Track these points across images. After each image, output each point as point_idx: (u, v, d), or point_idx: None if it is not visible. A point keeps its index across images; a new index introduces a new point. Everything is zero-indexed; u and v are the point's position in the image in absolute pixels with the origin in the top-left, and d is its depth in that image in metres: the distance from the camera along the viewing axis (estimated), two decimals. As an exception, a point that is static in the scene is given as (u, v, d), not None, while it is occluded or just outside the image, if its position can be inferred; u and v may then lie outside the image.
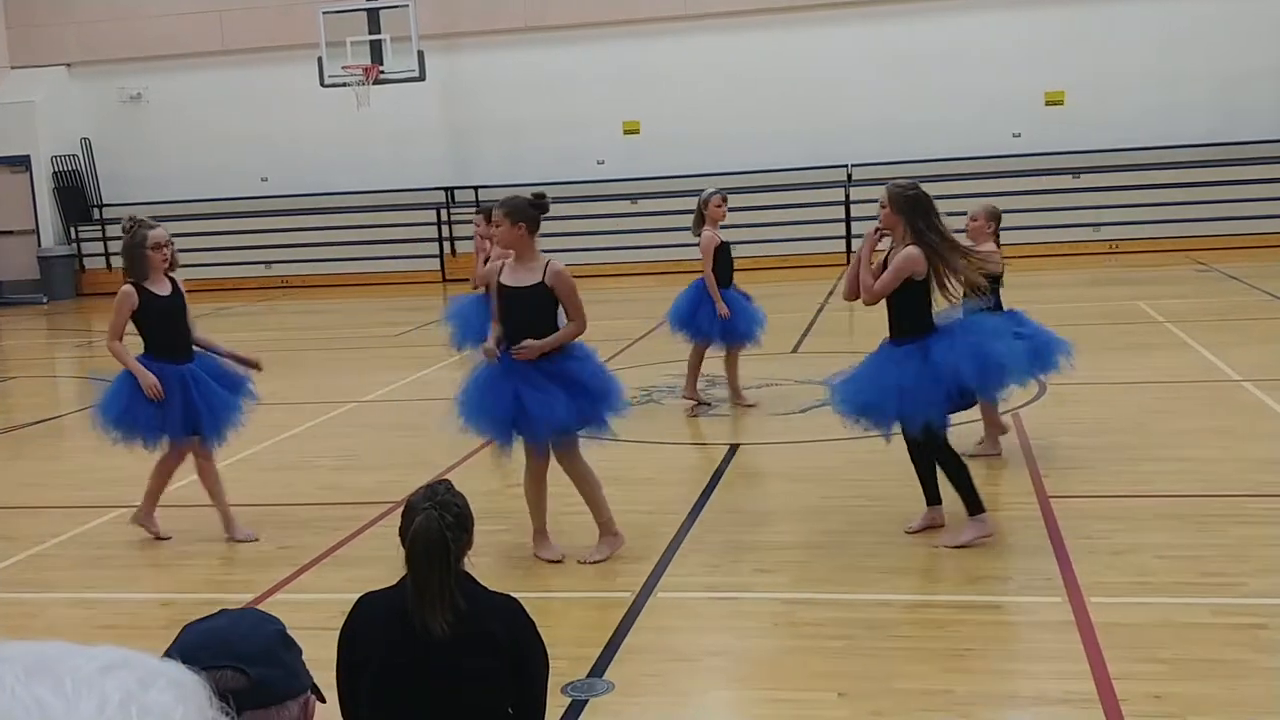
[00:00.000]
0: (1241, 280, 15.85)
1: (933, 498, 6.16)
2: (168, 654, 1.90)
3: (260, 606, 2.83)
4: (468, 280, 22.20)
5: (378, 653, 3.05)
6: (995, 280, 7.42)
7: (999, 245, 7.72)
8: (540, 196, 6.21)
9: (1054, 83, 20.86)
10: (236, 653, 1.88)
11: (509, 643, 3.11)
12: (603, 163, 22.36)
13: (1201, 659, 4.66)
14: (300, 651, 1.96)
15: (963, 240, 7.34)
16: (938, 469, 6.01)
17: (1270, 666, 4.60)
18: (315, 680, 1.93)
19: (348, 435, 9.70)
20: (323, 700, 1.99)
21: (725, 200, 9.54)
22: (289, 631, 1.97)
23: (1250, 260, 17.87)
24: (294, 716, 1.89)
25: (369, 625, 3.15)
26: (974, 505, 5.94)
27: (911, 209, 5.86)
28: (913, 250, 5.84)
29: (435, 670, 3.00)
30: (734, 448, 8.46)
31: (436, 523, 3.09)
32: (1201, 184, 19.91)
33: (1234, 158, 20.01)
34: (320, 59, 20.70)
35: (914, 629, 5.15)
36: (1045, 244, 20.15)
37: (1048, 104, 20.96)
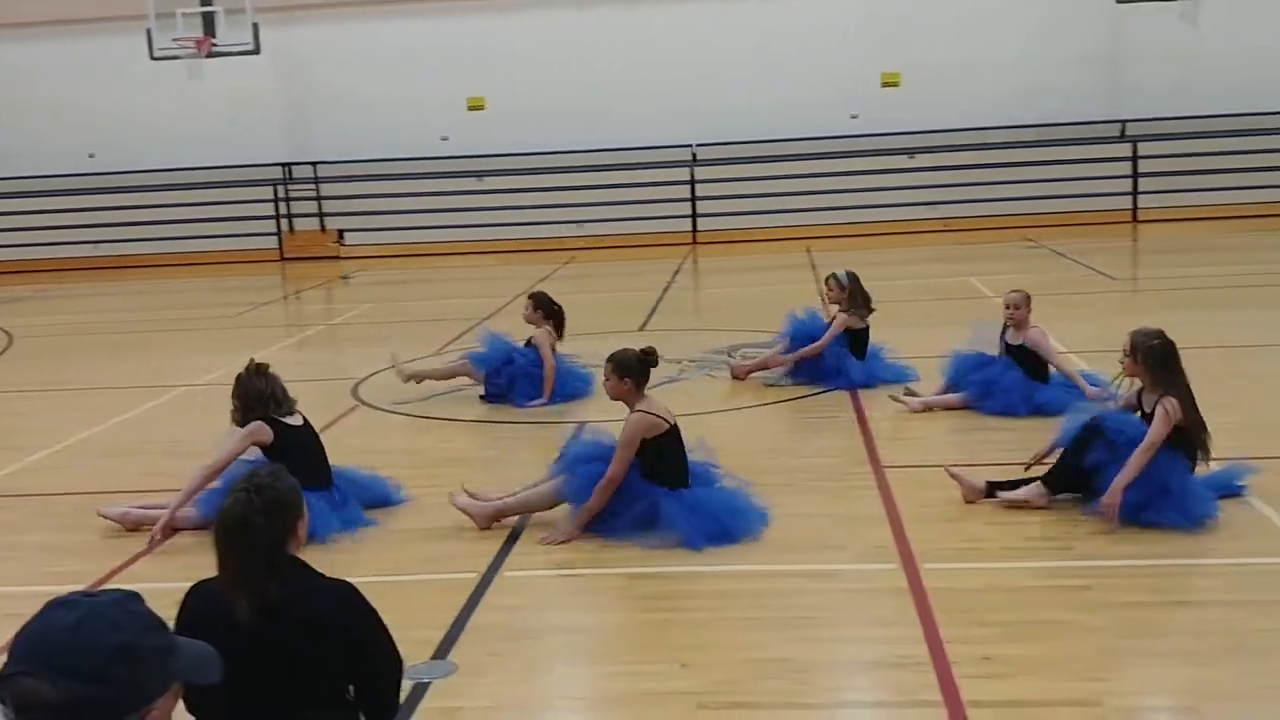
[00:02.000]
0: (1067, 256, 16.53)
1: None
2: (15, 638, 1.81)
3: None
4: (306, 259, 21.74)
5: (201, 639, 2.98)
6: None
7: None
8: (649, 353, 6.21)
9: (890, 64, 21.38)
10: (60, 664, 1.79)
11: (339, 629, 3.06)
12: (447, 139, 22.09)
13: (1029, 621, 4.85)
14: (155, 660, 1.87)
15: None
16: None
17: (1094, 626, 4.81)
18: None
19: (180, 420, 9.39)
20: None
21: None
22: (150, 637, 1.87)
23: (1077, 237, 18.65)
24: None
25: (193, 613, 3.09)
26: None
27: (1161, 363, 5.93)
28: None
29: (254, 656, 2.94)
30: (582, 425, 8.46)
31: (243, 506, 3.04)
32: (1031, 163, 20.69)
33: (1062, 138, 20.86)
34: (149, 31, 19.92)
35: (754, 599, 5.24)
36: (882, 222, 20.71)
37: (884, 85, 21.47)
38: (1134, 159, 20.90)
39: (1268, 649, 4.52)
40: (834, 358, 9.13)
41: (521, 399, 9.03)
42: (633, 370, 6.10)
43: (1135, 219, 20.82)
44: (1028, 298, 8.19)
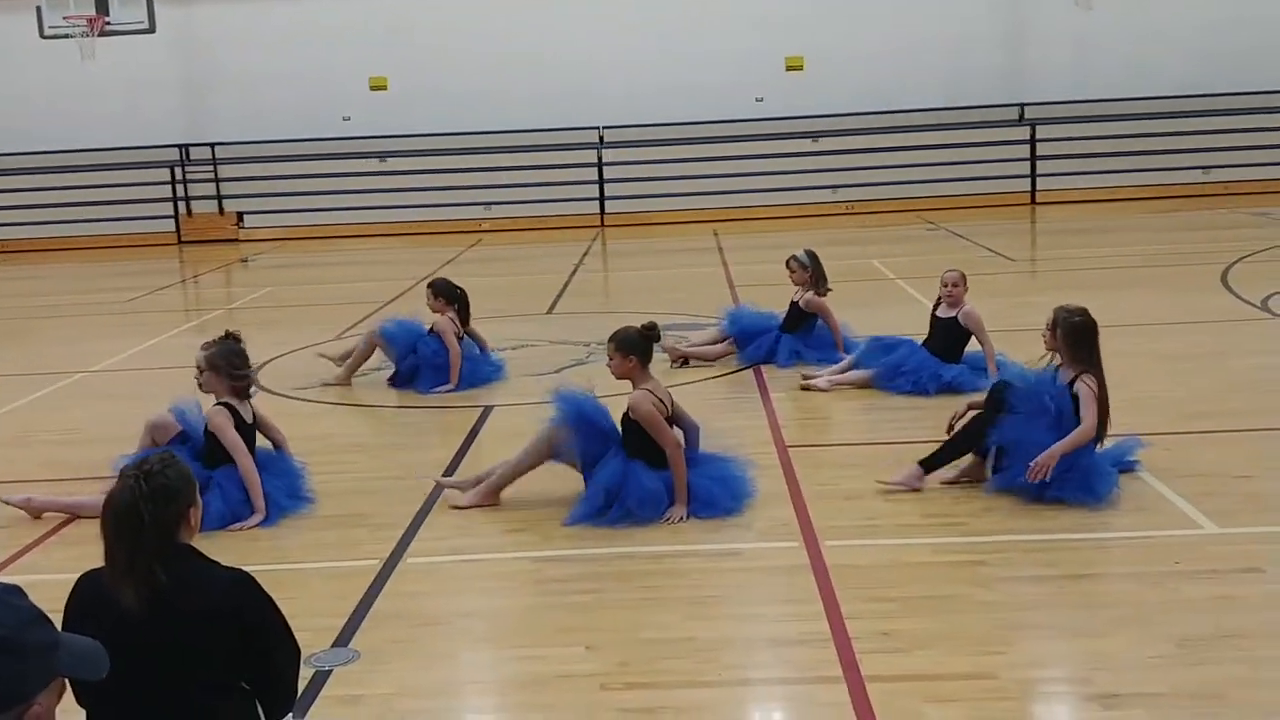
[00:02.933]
0: (967, 238, 16.81)
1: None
2: None
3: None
4: (205, 242, 21.29)
5: (88, 631, 2.91)
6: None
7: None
8: (650, 327, 6.12)
9: (794, 48, 21.53)
10: None
11: (232, 617, 3.00)
12: (349, 119, 21.77)
13: (926, 596, 4.93)
14: (37, 655, 1.81)
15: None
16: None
17: (988, 600, 4.91)
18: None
19: (73, 408, 9.16)
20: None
21: None
22: (30, 632, 1.80)
23: (977, 219, 18.99)
24: None
25: (82, 603, 3.02)
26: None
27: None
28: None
29: (144, 646, 2.87)
30: (487, 409, 8.42)
31: (130, 493, 2.97)
32: (931, 146, 20.99)
33: (963, 121, 21.18)
34: (39, 8, 19.27)
35: (658, 579, 5.26)
36: (786, 205, 20.88)
37: (788, 69, 21.62)
38: (1032, 142, 21.31)
39: (1158, 619, 4.64)
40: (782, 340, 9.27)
41: (425, 386, 8.94)
42: (636, 347, 6.05)
43: (1034, 201, 21.25)
44: (964, 276, 8.40)
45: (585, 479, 6.08)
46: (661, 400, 6.03)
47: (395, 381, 9.11)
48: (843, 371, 8.45)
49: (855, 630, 4.60)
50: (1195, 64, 20.79)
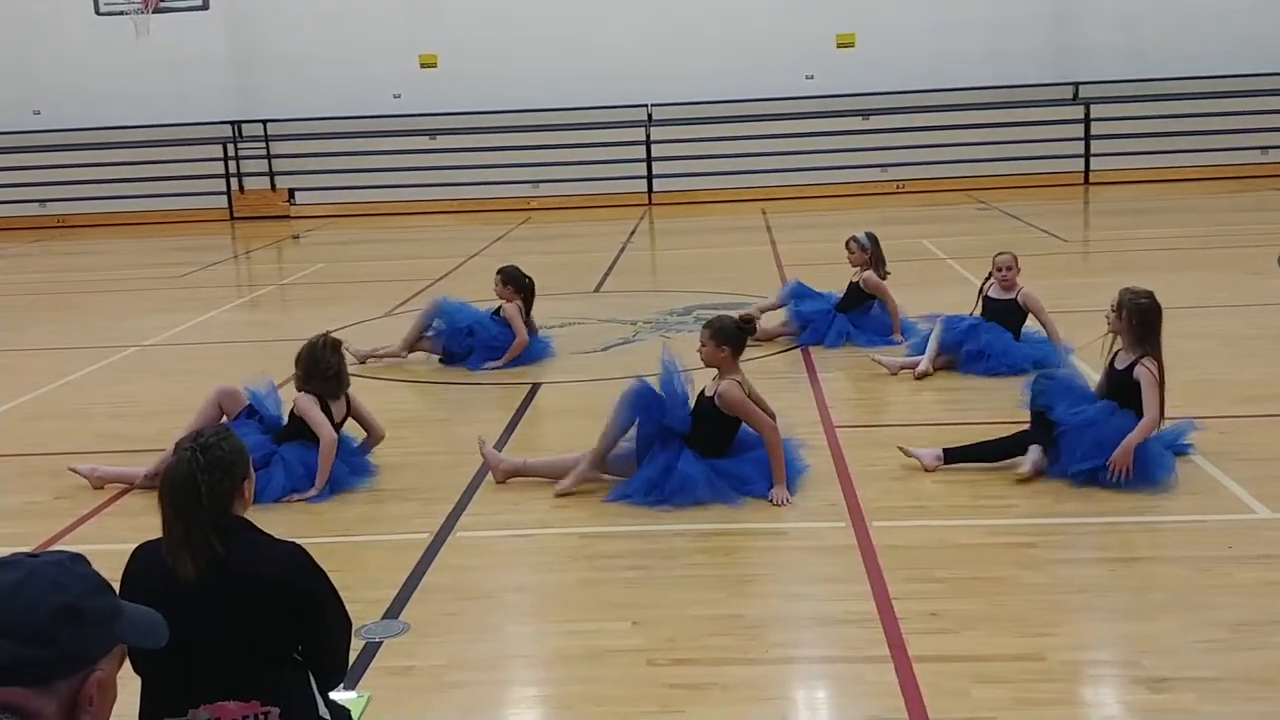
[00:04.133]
0: (1019, 218, 16.64)
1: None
2: None
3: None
4: (256, 218, 21.50)
5: (143, 600, 2.97)
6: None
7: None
8: (747, 320, 6.19)
9: (845, 25, 21.34)
10: (1, 624, 1.76)
11: (286, 589, 3.05)
12: (399, 96, 21.85)
13: (974, 577, 4.92)
14: (100, 622, 1.84)
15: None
16: None
17: (1037, 583, 4.88)
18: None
19: (128, 381, 9.29)
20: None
21: None
22: (93, 599, 1.84)
23: (1029, 199, 18.78)
24: (64, 698, 1.79)
25: (139, 574, 3.08)
26: None
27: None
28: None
29: (196, 617, 2.92)
30: (535, 387, 8.46)
31: (188, 465, 3.02)
32: (983, 125, 20.77)
33: (1014, 100, 20.93)
34: (95, -15, 19.53)
35: (705, 557, 5.28)
36: (836, 184, 20.74)
37: (839, 46, 21.44)
38: (1086, 121, 21.03)
39: (1208, 604, 4.60)
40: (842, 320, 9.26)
41: (476, 364, 8.98)
42: (731, 338, 6.06)
43: (1087, 181, 20.98)
44: (1016, 258, 8.35)
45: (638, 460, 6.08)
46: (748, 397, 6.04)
47: (447, 359, 9.16)
48: (933, 357, 8.27)
49: (902, 610, 4.60)
50: (1252, 41, 20.40)
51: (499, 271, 9.25)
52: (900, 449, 6.24)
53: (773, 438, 5.89)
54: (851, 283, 9.34)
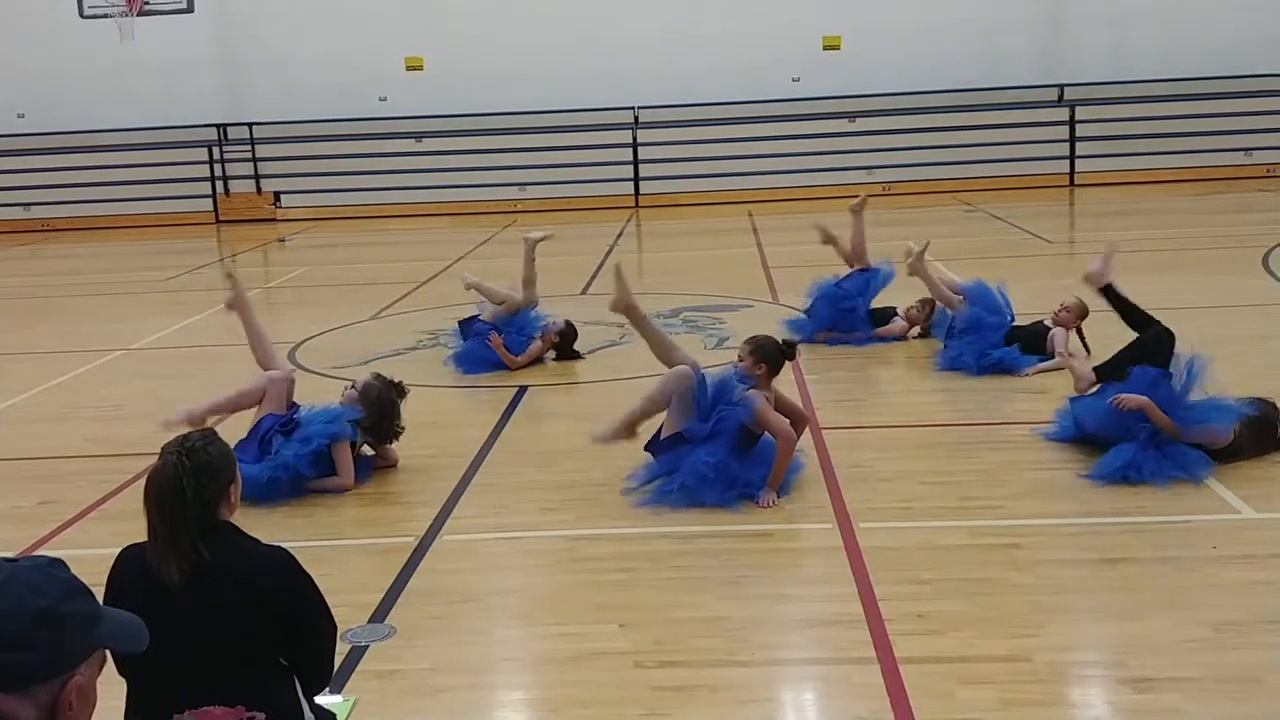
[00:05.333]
0: (1005, 220, 16.69)
1: None
2: None
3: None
4: (242, 221, 21.43)
5: (129, 605, 2.96)
6: None
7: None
8: (791, 344, 6.32)
9: (831, 28, 21.38)
10: None
11: (272, 594, 3.04)
12: (385, 99, 21.82)
13: (960, 578, 4.93)
14: (79, 626, 1.83)
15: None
16: None
17: (1023, 583, 4.89)
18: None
19: (114, 385, 9.26)
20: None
21: None
22: (72, 603, 1.83)
23: (1014, 201, 18.83)
24: (43, 703, 1.78)
25: (124, 577, 3.06)
26: None
27: None
28: None
29: (181, 621, 2.91)
30: (523, 389, 8.46)
31: (173, 469, 3.01)
32: (969, 127, 20.83)
33: (1000, 102, 20.99)
34: (79, -12, 19.46)
35: (691, 559, 5.28)
36: (821, 186, 20.76)
37: (825, 49, 21.48)
38: (1071, 123, 21.10)
39: (1192, 604, 4.62)
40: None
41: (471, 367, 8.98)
42: (771, 357, 6.16)
43: (1072, 183, 21.05)
44: (1083, 310, 8.38)
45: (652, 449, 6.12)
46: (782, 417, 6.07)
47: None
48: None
49: (888, 612, 4.60)
50: (1237, 44, 20.50)
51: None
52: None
53: (784, 447, 5.92)
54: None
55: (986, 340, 8.22)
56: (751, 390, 6.05)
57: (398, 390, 6.66)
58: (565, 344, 9.20)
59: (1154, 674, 4.08)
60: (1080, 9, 21.10)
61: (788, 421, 6.01)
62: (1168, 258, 13.05)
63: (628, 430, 6.20)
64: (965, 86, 20.96)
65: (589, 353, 9.47)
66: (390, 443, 6.65)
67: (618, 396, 7.92)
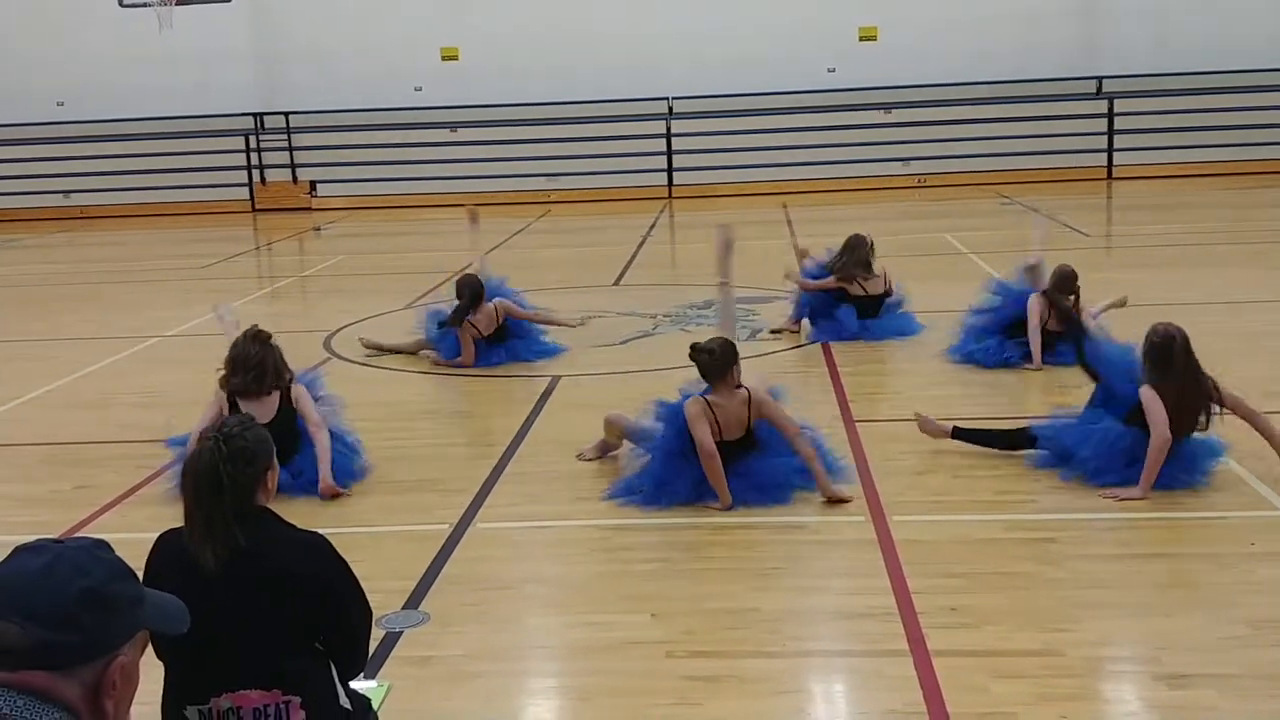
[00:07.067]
0: (1042, 213, 16.52)
1: None
2: None
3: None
4: (278, 210, 21.57)
5: (167, 589, 2.99)
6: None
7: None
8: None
9: (867, 18, 21.27)
10: (27, 608, 1.77)
11: (309, 579, 3.05)
12: (420, 89, 21.88)
13: (994, 572, 4.90)
14: (123, 607, 1.85)
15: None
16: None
17: (1056, 578, 4.87)
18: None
19: (150, 371, 9.35)
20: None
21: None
22: (117, 584, 1.85)
23: (1052, 193, 18.69)
24: (87, 683, 1.80)
25: (162, 562, 3.08)
26: None
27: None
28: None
29: (218, 606, 2.93)
30: (555, 379, 8.48)
31: (211, 455, 3.03)
32: (1006, 119, 20.68)
33: (1037, 94, 20.81)
34: (118, -22, 19.62)
35: (723, 550, 5.28)
36: (856, 178, 20.68)
37: (861, 39, 21.37)
38: (1110, 115, 20.91)
39: (1226, 600, 4.58)
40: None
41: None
42: (698, 364, 5.96)
43: (1110, 175, 20.86)
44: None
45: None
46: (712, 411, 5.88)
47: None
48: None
49: (922, 605, 4.59)
50: (1275, 37, 20.24)
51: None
52: (914, 414, 6.41)
53: (706, 461, 5.81)
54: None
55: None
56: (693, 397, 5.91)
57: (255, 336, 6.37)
58: (467, 308, 8.85)
59: (1189, 670, 4.05)
60: (1117, 1, 20.89)
61: (706, 442, 5.73)
62: (1206, 251, 12.92)
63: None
64: (1002, 78, 20.80)
65: (622, 342, 9.47)
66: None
67: (648, 387, 7.93)
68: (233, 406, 6.13)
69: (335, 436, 6.36)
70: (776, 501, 5.74)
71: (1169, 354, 5.85)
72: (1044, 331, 8.09)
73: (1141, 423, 5.77)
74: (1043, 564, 5.00)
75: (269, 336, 6.36)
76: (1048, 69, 20.88)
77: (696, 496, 5.79)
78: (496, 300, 8.91)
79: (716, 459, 5.71)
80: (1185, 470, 5.79)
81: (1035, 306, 8.14)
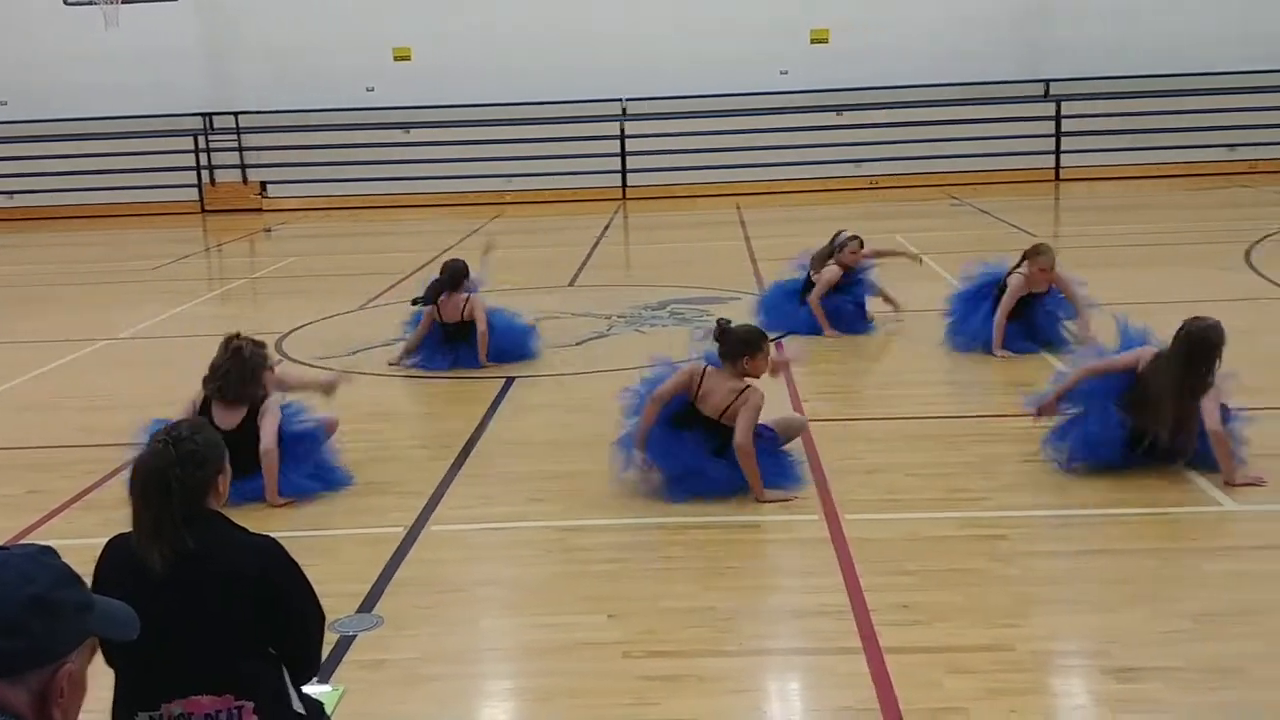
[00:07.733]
0: (991, 214, 16.74)
1: None
2: None
3: None
4: (228, 211, 21.37)
5: (116, 595, 2.97)
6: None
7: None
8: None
9: (819, 21, 21.39)
10: None
11: (258, 582, 3.04)
12: (372, 90, 21.76)
13: (946, 569, 4.96)
14: (70, 614, 1.84)
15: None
16: None
17: (1008, 575, 4.93)
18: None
19: (100, 374, 9.25)
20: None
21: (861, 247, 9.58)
22: (63, 591, 1.84)
23: (1001, 195, 18.90)
24: (34, 690, 1.79)
25: (111, 567, 3.06)
26: None
27: None
28: None
29: (167, 611, 2.91)
30: (510, 380, 8.46)
31: (160, 457, 3.00)
32: (956, 121, 20.87)
33: (986, 97, 21.02)
34: (63, -25, 19.36)
35: (679, 550, 5.30)
36: (809, 179, 20.80)
37: (813, 42, 21.49)
38: (1057, 118, 21.17)
39: (1174, 595, 4.66)
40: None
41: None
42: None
43: (1058, 178, 21.12)
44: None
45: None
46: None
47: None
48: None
49: (874, 602, 4.63)
50: (1219, 40, 20.58)
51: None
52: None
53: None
54: None
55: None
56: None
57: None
58: (442, 288, 8.80)
59: (1136, 664, 4.12)
60: (1065, 5, 21.15)
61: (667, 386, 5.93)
62: (1152, 252, 13.12)
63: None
64: (952, 81, 20.99)
65: (578, 343, 9.48)
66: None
67: (603, 387, 7.94)
68: (205, 409, 6.08)
69: (321, 468, 6.28)
70: (722, 495, 5.79)
71: (1210, 357, 5.99)
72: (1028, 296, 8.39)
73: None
74: (994, 561, 5.06)
75: (250, 348, 6.17)
76: (996, 72, 21.09)
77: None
78: (473, 296, 8.82)
79: (657, 403, 5.89)
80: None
81: (1015, 287, 8.33)
